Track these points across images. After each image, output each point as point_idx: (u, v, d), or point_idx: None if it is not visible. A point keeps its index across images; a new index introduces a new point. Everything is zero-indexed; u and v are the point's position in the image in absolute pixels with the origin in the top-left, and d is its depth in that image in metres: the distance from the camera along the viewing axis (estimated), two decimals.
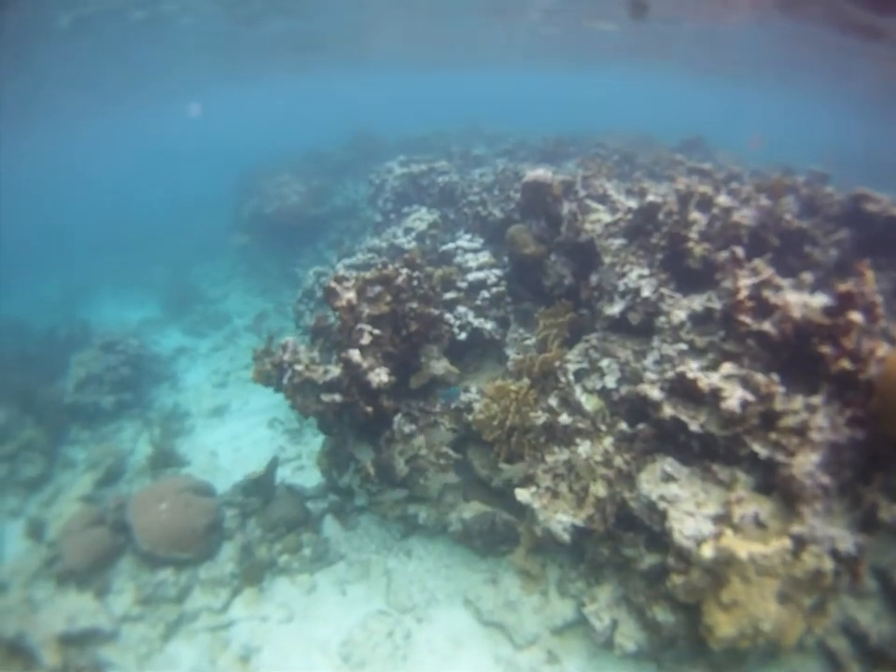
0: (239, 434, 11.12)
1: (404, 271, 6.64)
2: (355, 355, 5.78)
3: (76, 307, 18.69)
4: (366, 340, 5.86)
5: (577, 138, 13.58)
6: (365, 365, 5.82)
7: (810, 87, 26.24)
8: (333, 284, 6.20)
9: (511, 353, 7.36)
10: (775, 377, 4.97)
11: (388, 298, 6.21)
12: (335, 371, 6.23)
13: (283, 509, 8.13)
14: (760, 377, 5.02)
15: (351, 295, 6.09)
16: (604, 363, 6.57)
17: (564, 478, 6.08)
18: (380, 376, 5.88)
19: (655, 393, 5.40)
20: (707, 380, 5.13)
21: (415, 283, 6.76)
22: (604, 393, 6.49)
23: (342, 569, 7.65)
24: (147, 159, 48.83)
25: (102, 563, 7.78)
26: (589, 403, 6.30)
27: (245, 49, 20.71)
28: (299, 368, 6.43)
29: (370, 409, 5.95)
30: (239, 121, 53.28)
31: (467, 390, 7.17)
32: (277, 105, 50.78)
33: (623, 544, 5.87)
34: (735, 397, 4.90)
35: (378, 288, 6.19)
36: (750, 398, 4.93)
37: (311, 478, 9.05)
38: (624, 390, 6.37)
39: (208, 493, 8.63)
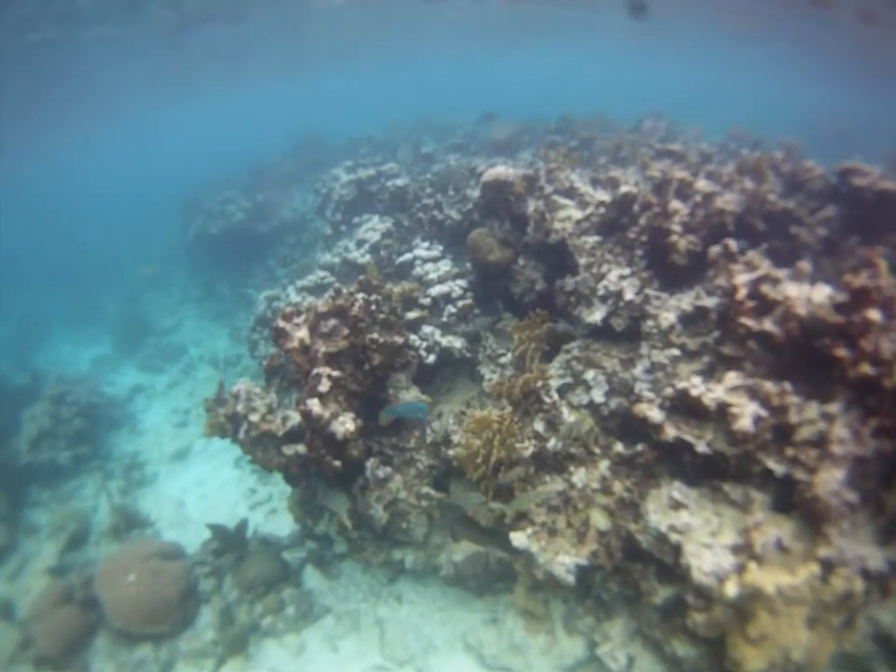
0: (204, 478, 10.36)
1: (360, 296, 5.94)
2: (314, 406, 5.08)
3: (28, 348, 17.71)
4: (325, 386, 5.15)
5: (530, 126, 12.93)
6: (327, 415, 5.12)
7: (773, 51, 25.90)
8: (282, 323, 5.48)
9: (486, 371, 6.74)
10: (787, 386, 4.41)
11: (345, 331, 5.51)
12: (295, 417, 5.53)
13: (259, 566, 7.45)
14: (770, 386, 4.45)
15: (303, 333, 5.38)
16: (589, 375, 5.98)
17: (560, 511, 5.49)
18: (345, 425, 5.17)
19: (655, 414, 4.81)
20: (712, 394, 4.55)
21: (374, 307, 6.07)
22: (592, 408, 5.91)
23: (330, 624, 7.03)
24: (94, 182, 47.18)
25: (76, 645, 7.23)
26: (578, 425, 5.69)
27: (180, 60, 19.67)
28: (254, 419, 5.72)
29: (337, 463, 5.26)
30: (183, 137, 51.77)
31: (441, 416, 6.56)
32: (221, 116, 49.35)
33: (631, 576, 5.32)
34: (746, 415, 4.33)
35: (333, 322, 5.48)
36: (763, 412, 4.36)
37: (285, 522, 8.35)
38: (614, 403, 5.81)
39: (177, 555, 7.98)
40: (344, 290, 6.03)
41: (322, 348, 5.37)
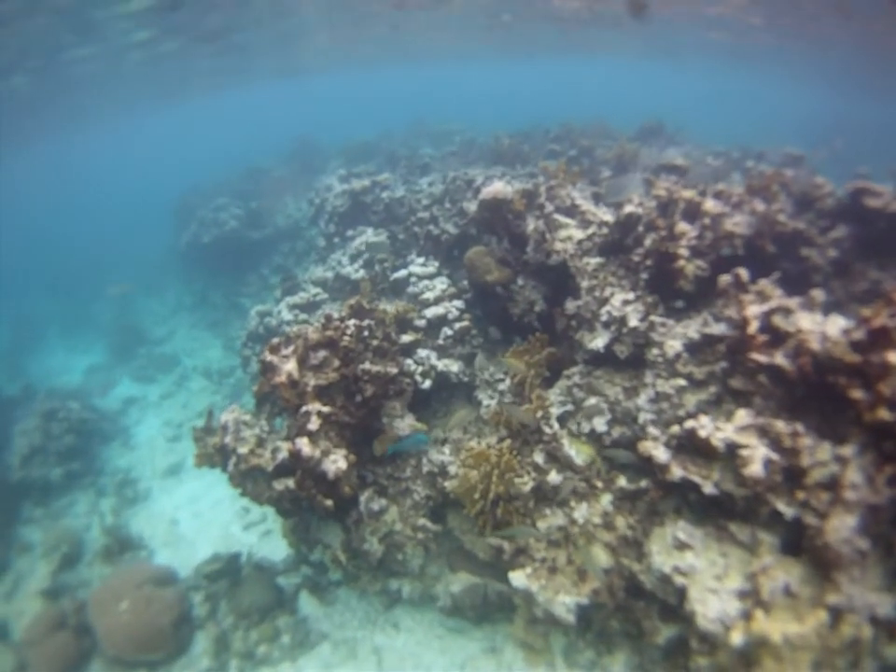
0: (198, 495, 10.16)
1: (351, 323, 5.73)
2: (303, 446, 4.86)
3: (22, 354, 17.51)
4: (314, 425, 4.93)
5: (529, 133, 12.66)
6: (317, 454, 4.90)
7: (777, 63, 25.59)
8: (269, 356, 5.25)
9: (484, 396, 6.53)
10: (799, 427, 4.20)
11: (336, 363, 5.29)
12: (286, 449, 5.32)
13: (253, 594, 7.29)
14: (782, 427, 4.25)
15: (291, 367, 5.16)
16: (590, 403, 5.79)
17: (560, 546, 5.30)
18: (337, 463, 4.96)
19: (661, 454, 4.61)
20: (721, 434, 4.35)
21: (366, 333, 5.87)
22: (593, 437, 5.72)
23: (326, 652, 6.83)
24: (91, 187, 46.81)
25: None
26: (580, 456, 5.50)
27: (174, 70, 19.37)
28: (243, 451, 5.51)
29: (329, 502, 5.04)
30: (177, 142, 51.39)
31: (437, 441, 6.36)
32: (214, 120, 48.99)
33: (634, 615, 5.14)
34: (757, 459, 4.13)
35: (323, 353, 5.26)
36: (774, 456, 4.16)
37: (280, 545, 8.14)
38: (616, 433, 5.62)
39: (170, 581, 7.84)
40: (336, 315, 5.82)
41: (312, 381, 5.16)
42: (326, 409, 5.03)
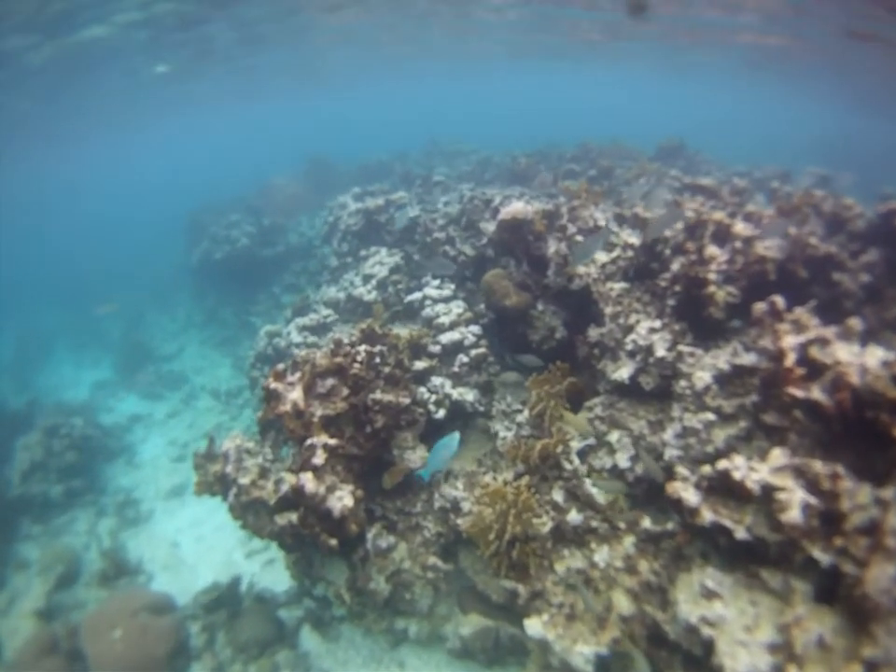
0: (200, 519, 9.87)
1: (362, 348, 5.46)
2: (307, 482, 4.57)
3: (29, 369, 17.40)
4: (320, 459, 4.65)
5: (546, 153, 12.46)
6: (322, 491, 4.61)
7: (798, 81, 25.34)
8: (274, 384, 4.98)
9: (500, 428, 6.22)
10: (839, 469, 3.88)
11: (345, 392, 5.01)
12: (288, 482, 5.03)
13: (253, 626, 7.00)
14: (820, 468, 3.93)
15: (296, 395, 4.89)
16: (613, 437, 5.49)
17: (579, 590, 4.97)
18: (343, 500, 4.66)
19: (691, 496, 4.28)
20: (756, 475, 4.03)
21: (378, 359, 5.60)
22: (615, 473, 5.41)
23: None
24: (101, 201, 47.19)
25: None
26: (601, 495, 5.18)
27: (190, 76, 19.38)
28: (244, 482, 5.23)
29: (334, 542, 4.74)
30: (191, 155, 51.82)
31: (450, 475, 6.06)
32: (229, 134, 49.39)
33: (656, 665, 4.78)
34: (795, 505, 3.81)
35: (331, 381, 4.99)
36: (812, 500, 3.84)
37: (283, 575, 7.82)
38: (640, 469, 5.30)
39: (167, 609, 7.55)
40: (346, 340, 5.56)
41: (318, 411, 4.88)
42: (332, 441, 4.74)
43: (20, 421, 12.59)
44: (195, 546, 9.41)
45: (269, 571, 8.33)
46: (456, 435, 4.78)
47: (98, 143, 31.10)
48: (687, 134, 12.64)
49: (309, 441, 4.74)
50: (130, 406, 14.25)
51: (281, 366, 5.22)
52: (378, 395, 5.09)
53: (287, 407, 4.91)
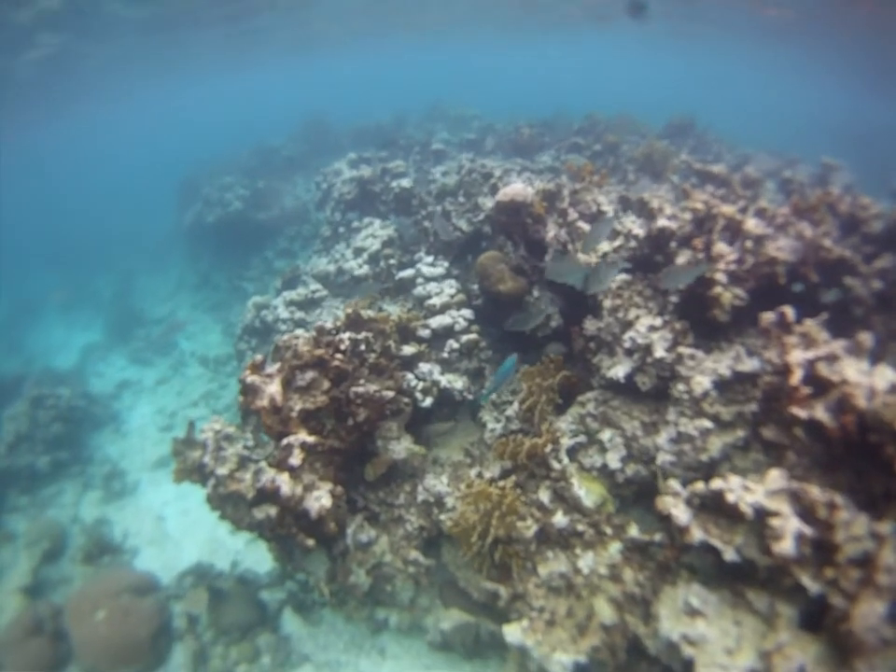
0: (186, 491, 9.65)
1: (346, 336, 5.22)
2: (283, 483, 4.37)
3: (20, 330, 17.19)
4: (297, 459, 4.44)
5: (551, 123, 11.98)
6: (299, 492, 4.41)
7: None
8: (251, 377, 4.74)
9: (489, 419, 6.03)
10: (838, 499, 3.68)
11: (325, 385, 4.78)
12: (265, 476, 4.85)
13: (234, 611, 6.97)
14: (817, 495, 3.73)
15: (274, 389, 4.66)
16: (605, 436, 5.29)
17: (562, 594, 4.84)
18: (321, 500, 4.46)
19: (681, 514, 4.08)
20: (751, 498, 3.83)
21: (363, 347, 5.36)
22: (605, 473, 5.23)
23: None
24: (99, 163, 46.37)
25: None
26: (589, 497, 5.01)
27: (185, 47, 18.72)
28: (222, 472, 5.05)
29: (311, 542, 4.58)
30: (188, 121, 50.72)
31: (436, 462, 5.90)
32: (226, 100, 48.18)
33: None
34: (788, 535, 3.61)
35: (311, 374, 4.76)
36: (806, 530, 3.65)
37: (266, 555, 7.71)
38: (631, 471, 5.13)
39: (150, 589, 7.53)
40: (329, 327, 5.31)
41: (297, 405, 4.66)
42: (311, 439, 4.53)
43: (8, 389, 12.46)
44: (181, 520, 9.37)
45: (253, 549, 8.26)
46: (515, 356, 5.07)
47: (96, 107, 30.33)
48: (702, 111, 12.16)
49: (286, 441, 4.54)
50: (119, 371, 14.07)
51: (259, 357, 4.98)
52: (361, 388, 4.86)
53: (265, 402, 4.69)
